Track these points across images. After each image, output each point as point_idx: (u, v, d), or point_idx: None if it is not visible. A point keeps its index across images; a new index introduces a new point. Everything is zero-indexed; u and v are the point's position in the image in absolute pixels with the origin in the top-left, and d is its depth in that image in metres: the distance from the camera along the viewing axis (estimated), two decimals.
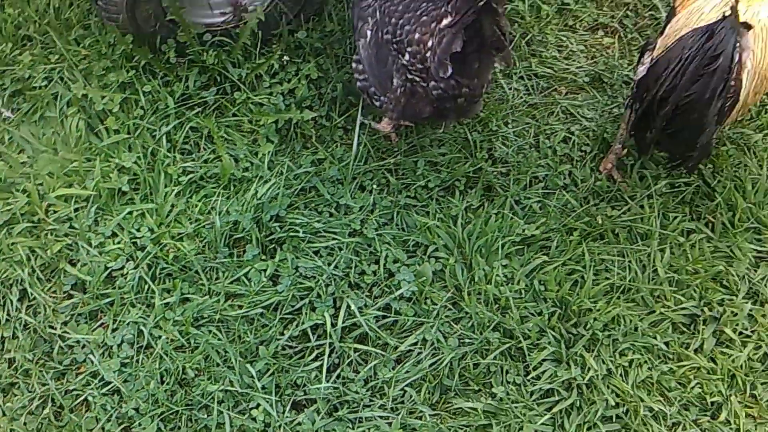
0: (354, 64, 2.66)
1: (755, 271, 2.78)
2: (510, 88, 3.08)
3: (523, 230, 2.74)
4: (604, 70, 3.17)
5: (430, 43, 2.39)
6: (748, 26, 2.30)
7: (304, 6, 3.02)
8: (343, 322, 2.54)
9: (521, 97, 3.08)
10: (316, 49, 3.08)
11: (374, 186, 2.81)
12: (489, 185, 2.86)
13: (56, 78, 2.96)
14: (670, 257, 2.75)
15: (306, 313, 2.55)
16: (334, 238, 2.68)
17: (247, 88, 2.95)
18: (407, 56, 2.46)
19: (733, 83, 2.34)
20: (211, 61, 2.93)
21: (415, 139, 2.93)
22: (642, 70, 2.63)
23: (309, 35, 3.08)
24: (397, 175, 2.85)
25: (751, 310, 2.70)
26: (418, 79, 2.48)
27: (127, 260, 2.62)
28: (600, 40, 3.29)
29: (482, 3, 2.21)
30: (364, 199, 2.77)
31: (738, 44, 2.30)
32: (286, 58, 3.00)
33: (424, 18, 2.40)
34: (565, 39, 3.26)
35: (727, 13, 2.33)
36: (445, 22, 2.34)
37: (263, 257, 2.66)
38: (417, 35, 2.41)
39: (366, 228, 2.71)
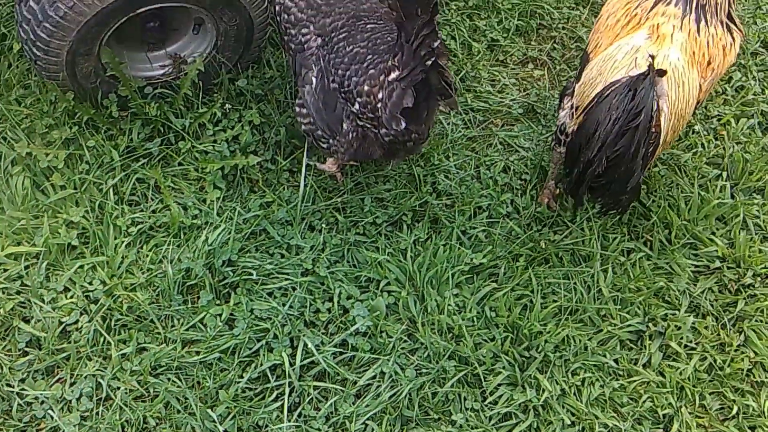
0: (297, 108, 2.72)
1: (695, 285, 2.90)
2: (449, 123, 3.18)
3: (471, 259, 2.81)
4: (537, 101, 3.29)
5: (380, 95, 2.46)
6: (663, 73, 2.41)
7: (242, 54, 3.08)
8: (301, 361, 2.57)
9: (460, 131, 3.18)
10: (257, 95, 3.14)
11: (323, 225, 2.86)
12: (435, 218, 2.93)
13: None
14: (613, 277, 2.85)
15: (264, 355, 2.57)
16: (287, 279, 2.72)
17: (191, 137, 2.99)
18: (357, 105, 2.54)
19: (654, 130, 2.46)
20: (153, 113, 2.97)
21: (360, 177, 2.99)
22: (563, 115, 2.74)
23: (249, 82, 3.14)
24: (345, 213, 2.91)
25: (693, 323, 2.81)
26: (369, 125, 2.56)
27: (81, 314, 2.62)
28: (530, 72, 3.42)
29: (429, 62, 2.30)
30: (314, 239, 2.82)
31: (656, 93, 2.41)
32: (228, 105, 3.05)
33: (372, 71, 2.48)
34: (497, 74, 3.38)
35: (644, 67, 2.43)
36: (393, 75, 2.41)
37: (218, 302, 2.68)
38: (366, 87, 2.49)
39: (318, 267, 2.75)
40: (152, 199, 2.90)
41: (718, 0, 2.64)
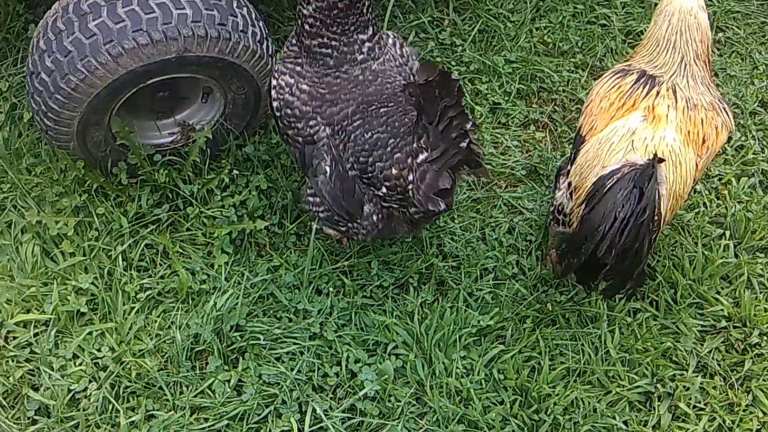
0: (310, 199, 2.72)
1: (701, 344, 2.90)
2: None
3: (478, 321, 2.82)
4: (539, 162, 3.34)
5: (410, 177, 2.46)
6: (661, 160, 2.44)
7: (249, 121, 3.13)
8: (310, 427, 2.56)
9: (465, 193, 3.21)
10: (264, 160, 3.18)
11: (330, 289, 2.88)
12: (441, 280, 2.95)
13: (9, 206, 2.99)
14: (620, 337, 2.86)
15: (272, 421, 2.57)
16: (294, 343, 2.73)
17: (199, 203, 3.03)
18: (384, 189, 2.55)
19: (656, 218, 2.49)
20: (162, 180, 3.01)
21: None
22: (560, 195, 2.76)
23: (256, 148, 3.19)
24: (352, 277, 2.93)
25: (702, 384, 2.81)
26: (396, 206, 2.59)
27: (90, 381, 2.62)
28: (532, 134, 3.47)
29: (464, 144, 2.34)
30: (322, 302, 2.84)
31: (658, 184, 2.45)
32: (235, 172, 3.10)
33: (398, 154, 2.49)
34: (499, 136, 3.43)
35: (640, 150, 2.47)
36: (421, 157, 2.43)
37: (226, 368, 2.69)
38: (395, 171, 2.49)
39: (326, 330, 2.77)
40: (161, 265, 2.93)
41: (706, 79, 2.71)
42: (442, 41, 3.74)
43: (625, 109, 2.67)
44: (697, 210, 3.25)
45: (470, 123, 2.34)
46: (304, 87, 2.63)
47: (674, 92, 2.66)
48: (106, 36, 2.65)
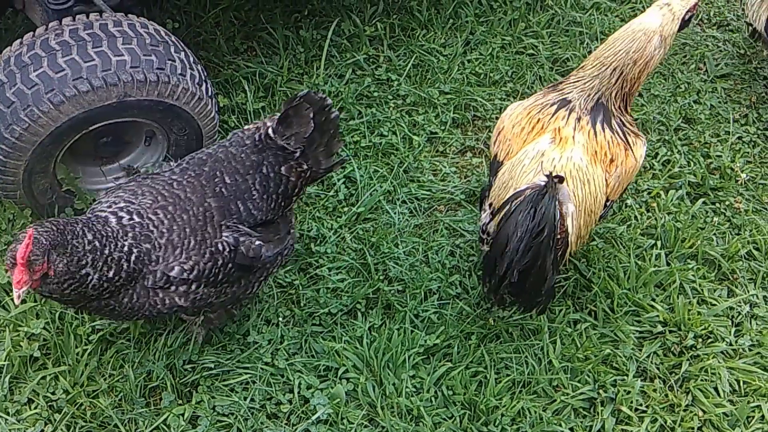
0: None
1: (640, 350, 3.02)
2: (395, 213, 3.33)
3: (425, 341, 2.92)
4: (477, 186, 3.47)
5: None
6: (561, 179, 2.54)
7: None
8: None
9: (407, 220, 3.32)
10: None
11: (280, 319, 2.96)
12: (388, 303, 3.04)
13: None
14: (562, 347, 2.97)
15: None
16: (247, 373, 2.79)
17: None
18: None
19: (560, 236, 2.60)
20: None
21: (312, 271, 3.11)
22: (484, 216, 2.86)
23: None
24: (300, 306, 3.01)
25: (642, 387, 2.92)
26: None
27: (46, 424, 2.65)
28: (469, 161, 3.61)
29: None
30: (272, 332, 2.91)
31: (557, 203, 2.54)
32: None
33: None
34: (437, 163, 3.56)
35: (542, 181, 2.56)
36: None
37: (180, 402, 2.74)
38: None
39: (277, 359, 2.84)
40: None
41: (615, 104, 2.81)
42: (379, 77, 3.88)
43: (536, 133, 2.79)
44: (629, 223, 3.39)
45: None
46: None
47: (585, 117, 2.77)
48: (48, 85, 2.73)
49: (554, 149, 2.73)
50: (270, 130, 2.65)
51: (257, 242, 2.58)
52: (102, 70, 2.77)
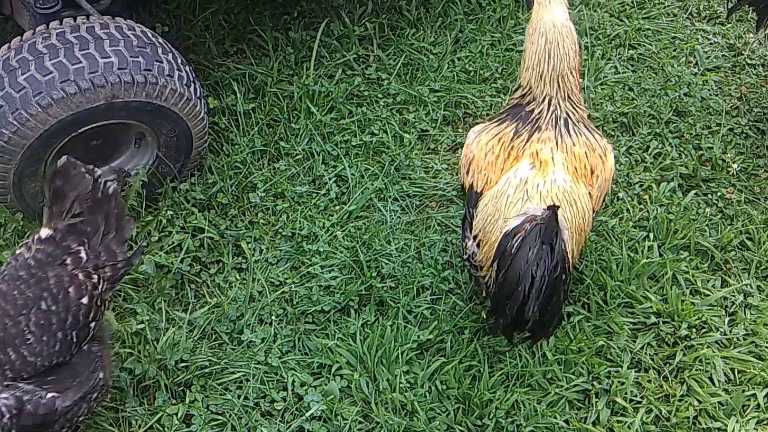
0: None
1: (634, 341, 3.02)
2: (387, 210, 3.33)
3: (419, 336, 2.92)
4: None
5: None
6: (557, 207, 2.51)
7: (184, 163, 3.23)
8: None
9: (399, 217, 3.33)
10: (200, 200, 3.27)
11: (273, 317, 2.96)
12: (381, 300, 3.04)
13: None
14: (556, 340, 2.96)
15: None
16: (240, 371, 2.80)
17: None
18: None
19: (567, 264, 2.58)
20: None
21: (304, 269, 3.11)
22: (470, 246, 2.80)
23: (192, 189, 3.28)
24: (293, 304, 3.01)
25: (636, 378, 2.92)
26: None
27: None
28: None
29: None
30: (265, 331, 2.92)
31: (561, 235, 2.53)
32: (170, 212, 3.18)
33: None
34: (429, 161, 3.57)
35: (536, 198, 2.58)
36: None
37: (173, 401, 2.74)
38: None
39: (270, 357, 2.84)
40: None
41: (580, 114, 2.82)
42: (369, 76, 3.88)
43: (513, 159, 2.76)
44: (621, 216, 3.40)
45: None
46: None
47: (554, 129, 2.76)
48: (36, 88, 2.75)
49: (536, 174, 2.71)
50: (43, 233, 2.30)
51: (48, 395, 2.18)
52: (89, 72, 2.78)
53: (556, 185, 2.70)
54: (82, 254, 2.26)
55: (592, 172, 2.80)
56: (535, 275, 2.49)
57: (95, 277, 2.27)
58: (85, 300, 2.24)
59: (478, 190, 2.82)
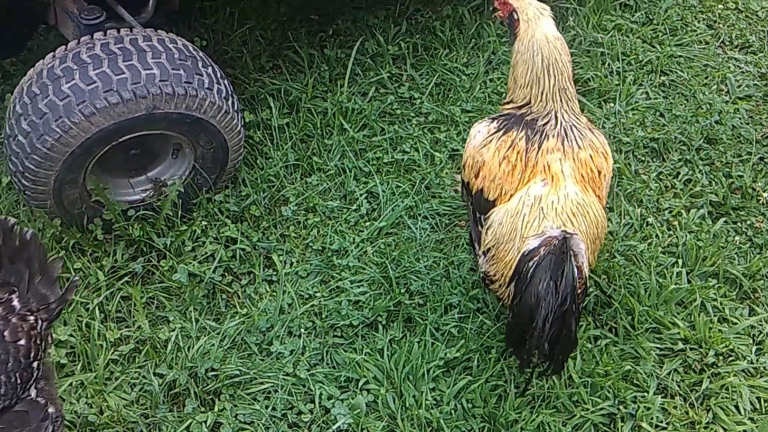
0: None
1: (661, 367, 3.02)
2: (417, 228, 3.36)
3: (446, 354, 2.93)
4: None
5: None
6: (571, 234, 2.51)
7: (219, 175, 3.28)
8: None
9: (428, 235, 3.36)
10: (234, 212, 3.32)
11: (302, 330, 2.99)
12: (409, 317, 3.07)
13: None
14: (582, 363, 2.97)
15: None
16: (268, 382, 2.83)
17: (172, 255, 3.15)
18: None
19: (580, 289, 2.55)
20: (137, 234, 3.14)
21: (333, 283, 3.15)
22: (482, 262, 2.81)
23: (226, 200, 3.33)
24: (322, 318, 3.04)
25: (662, 404, 2.92)
26: None
27: (70, 429, 2.69)
28: None
29: None
30: (294, 343, 2.95)
31: (573, 260, 2.49)
32: (204, 223, 3.23)
33: None
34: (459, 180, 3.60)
35: (552, 233, 2.55)
36: None
37: (203, 409, 2.78)
38: None
39: (298, 369, 2.87)
40: (135, 315, 3.03)
41: (579, 119, 2.83)
42: (402, 95, 3.93)
43: (529, 171, 2.74)
44: (650, 241, 3.41)
45: None
46: None
47: (561, 138, 2.76)
48: (79, 97, 2.81)
49: (549, 191, 2.71)
50: None
51: None
52: (132, 83, 2.84)
53: (569, 200, 2.69)
54: (15, 302, 2.23)
55: (600, 173, 2.81)
56: (541, 313, 2.48)
57: (31, 318, 2.23)
58: (23, 341, 2.18)
59: (490, 198, 2.80)
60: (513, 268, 2.62)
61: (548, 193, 2.71)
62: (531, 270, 2.53)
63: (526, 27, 2.81)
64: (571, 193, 2.72)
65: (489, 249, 2.79)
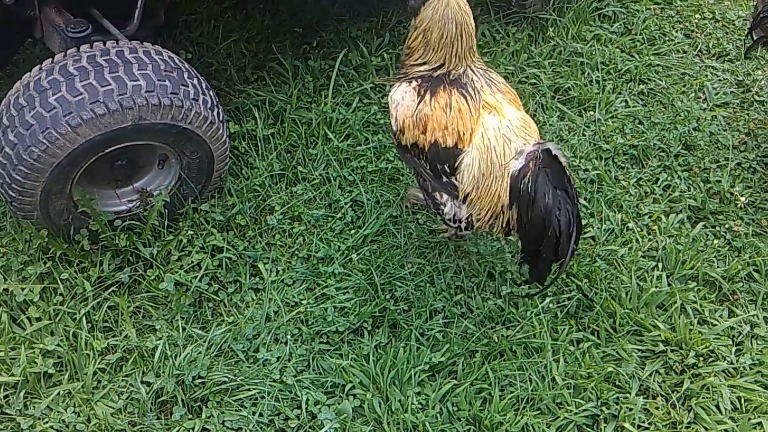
0: None
1: (642, 368, 3.07)
2: (402, 236, 3.40)
3: (431, 358, 2.97)
4: None
5: None
6: (546, 147, 2.76)
7: (205, 185, 3.31)
8: None
9: (412, 242, 3.40)
10: (220, 221, 3.35)
11: (288, 337, 3.02)
12: (394, 322, 3.11)
13: None
14: (565, 365, 3.02)
15: None
16: (255, 389, 2.85)
17: (159, 264, 3.17)
18: None
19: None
20: (123, 244, 3.16)
21: (319, 290, 3.18)
22: (450, 208, 2.99)
23: (212, 210, 3.36)
24: (308, 324, 3.08)
25: (644, 404, 2.96)
26: None
27: None
28: None
29: None
30: (280, 350, 2.98)
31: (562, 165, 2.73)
32: (191, 232, 3.26)
33: None
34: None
35: (519, 140, 2.82)
36: None
37: (190, 416, 2.80)
38: None
39: (285, 376, 2.90)
40: (122, 324, 3.05)
41: (483, 66, 3.04)
42: (385, 105, 3.98)
43: (475, 111, 2.91)
44: (630, 245, 3.46)
45: None
46: None
47: (483, 81, 2.97)
48: (66, 108, 2.84)
49: (500, 120, 2.90)
50: None
51: None
52: (118, 95, 2.87)
53: (516, 120, 2.91)
54: None
55: (515, 92, 3.08)
56: (560, 219, 2.68)
57: None
58: None
59: (449, 145, 2.91)
60: (505, 195, 2.81)
61: (500, 121, 2.89)
62: (531, 185, 2.74)
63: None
64: (514, 115, 2.93)
65: (468, 193, 2.92)
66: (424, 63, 2.99)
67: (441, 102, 2.93)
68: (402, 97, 3.01)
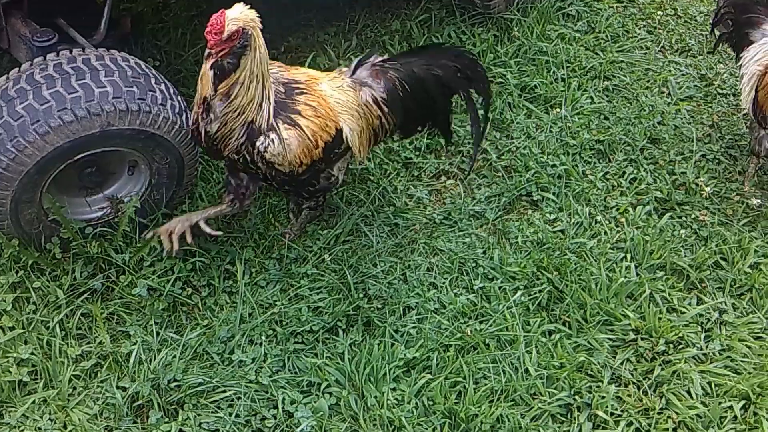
0: None
1: (614, 357, 3.12)
2: (374, 235, 3.43)
3: (405, 354, 3.00)
4: (452, 207, 3.58)
5: None
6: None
7: (176, 190, 3.32)
8: None
9: (384, 241, 3.43)
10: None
11: (263, 338, 3.04)
12: (368, 320, 3.13)
13: None
14: (538, 356, 3.06)
15: None
16: (231, 390, 2.86)
17: (131, 270, 3.18)
18: None
19: None
20: (95, 251, 3.16)
21: (292, 291, 3.20)
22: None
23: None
24: (282, 325, 3.09)
25: (616, 392, 3.01)
26: None
27: None
28: (444, 183, 3.73)
29: None
30: (255, 351, 2.99)
31: None
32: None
33: None
34: (413, 188, 3.69)
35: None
36: None
37: (166, 419, 2.80)
38: None
39: (261, 376, 2.91)
40: (96, 331, 3.05)
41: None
42: None
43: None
44: (598, 237, 3.51)
45: None
46: None
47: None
48: (33, 117, 2.84)
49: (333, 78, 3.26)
50: None
51: None
52: (86, 101, 2.88)
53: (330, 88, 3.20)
54: None
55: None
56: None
57: None
58: None
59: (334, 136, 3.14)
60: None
61: (332, 78, 3.26)
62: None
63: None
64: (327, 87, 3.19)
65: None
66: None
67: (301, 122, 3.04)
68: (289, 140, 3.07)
